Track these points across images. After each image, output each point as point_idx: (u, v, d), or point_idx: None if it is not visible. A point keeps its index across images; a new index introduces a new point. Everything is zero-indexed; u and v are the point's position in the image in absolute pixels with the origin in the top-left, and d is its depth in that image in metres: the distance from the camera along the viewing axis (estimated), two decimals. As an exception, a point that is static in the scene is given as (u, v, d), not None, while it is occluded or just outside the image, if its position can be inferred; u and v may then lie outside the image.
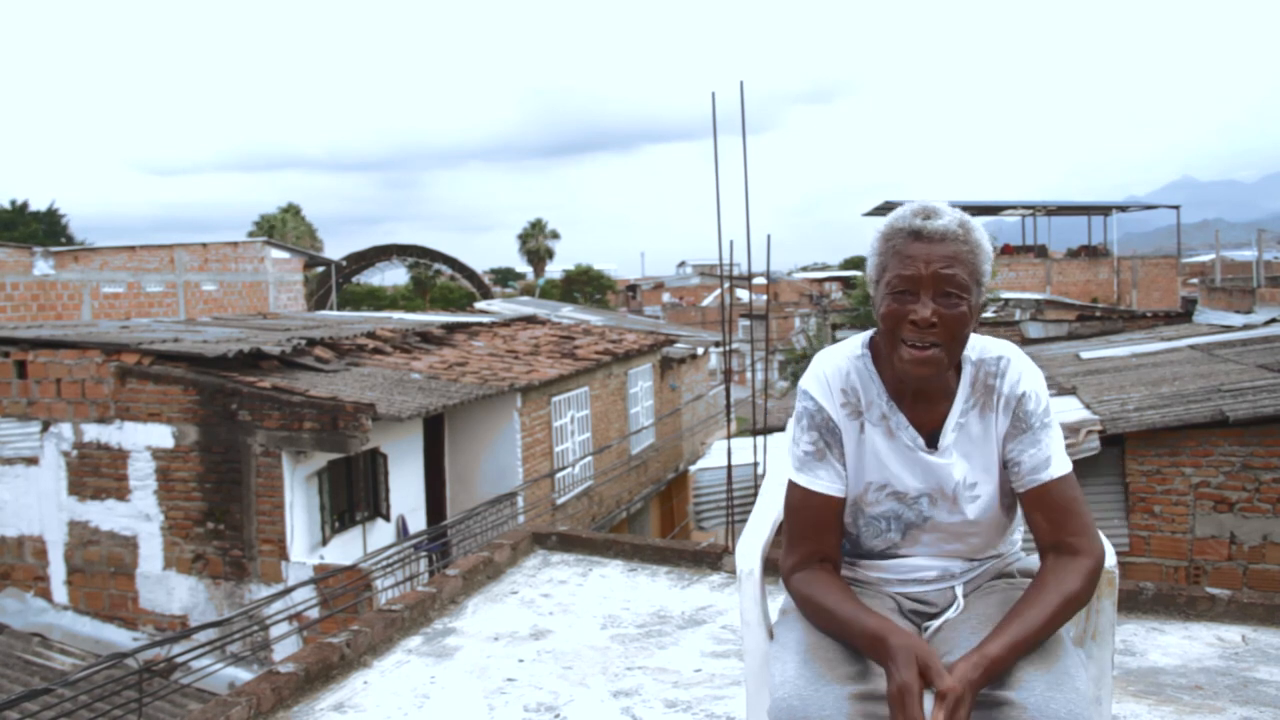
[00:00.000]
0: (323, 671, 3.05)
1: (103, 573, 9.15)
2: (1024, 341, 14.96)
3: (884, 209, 28.52)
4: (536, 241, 55.42)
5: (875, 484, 1.75)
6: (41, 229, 35.26)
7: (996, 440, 1.73)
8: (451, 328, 14.26)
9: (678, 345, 18.38)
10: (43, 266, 16.90)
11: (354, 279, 39.07)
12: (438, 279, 42.90)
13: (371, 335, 11.96)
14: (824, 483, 1.75)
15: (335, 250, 45.23)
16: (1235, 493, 6.61)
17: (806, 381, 1.80)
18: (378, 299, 39.63)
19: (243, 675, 7.54)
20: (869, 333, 1.80)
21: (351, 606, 7.89)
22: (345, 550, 8.98)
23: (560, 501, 12.39)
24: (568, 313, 23.85)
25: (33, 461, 9.30)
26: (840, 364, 1.77)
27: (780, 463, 1.88)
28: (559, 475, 12.35)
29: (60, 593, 9.34)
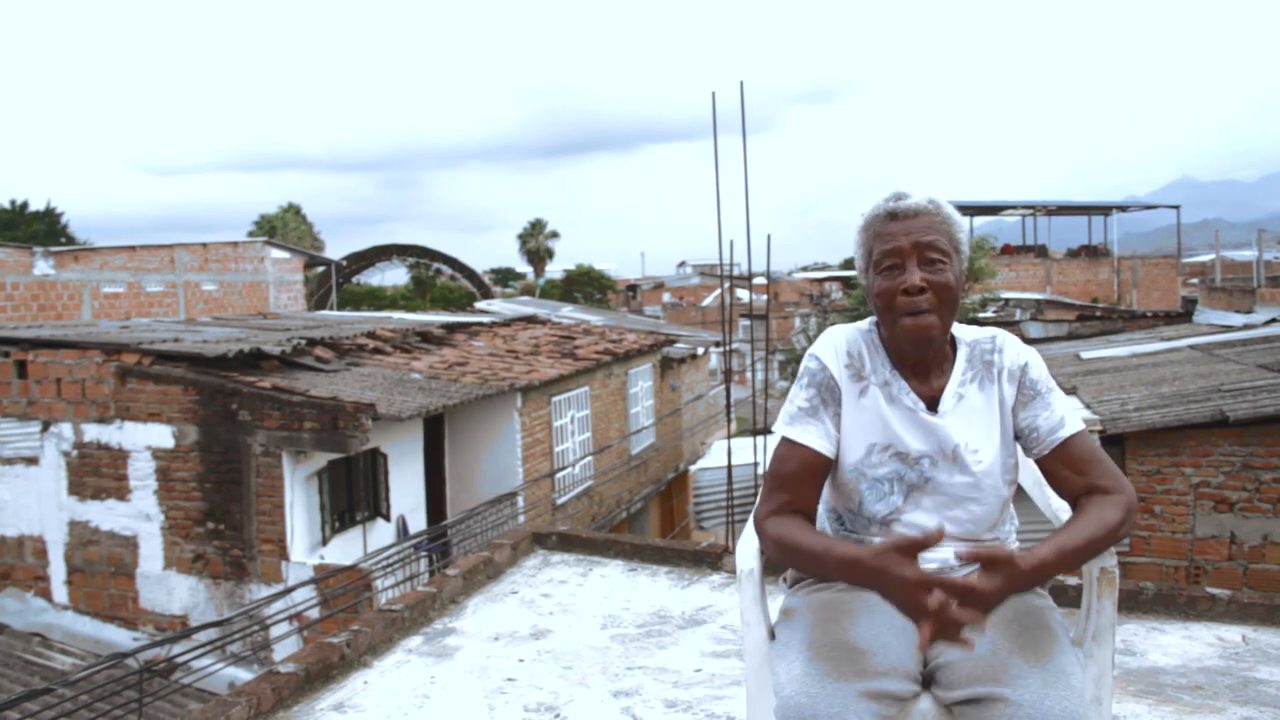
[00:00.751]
0: (323, 671, 3.05)
1: (103, 573, 9.15)
2: (1024, 341, 14.97)
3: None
4: (536, 241, 55.42)
5: (879, 445, 1.80)
6: (41, 229, 35.26)
7: (999, 411, 1.80)
8: (451, 328, 14.26)
9: (678, 345, 18.38)
10: (43, 266, 16.91)
11: (354, 279, 39.07)
12: (438, 279, 42.90)
13: (371, 335, 11.96)
14: (813, 438, 1.81)
15: (335, 250, 45.26)
16: (1235, 493, 6.61)
17: (814, 346, 1.90)
18: (378, 299, 39.64)
19: (243, 675, 7.54)
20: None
21: (351, 606, 7.89)
22: (345, 550, 8.99)
23: (560, 501, 12.40)
24: (568, 313, 23.85)
25: (33, 461, 9.31)
26: (849, 333, 1.89)
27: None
28: (559, 475, 12.35)
29: (60, 593, 9.35)
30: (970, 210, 33.15)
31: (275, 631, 8.23)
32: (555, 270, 54.64)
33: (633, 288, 52.93)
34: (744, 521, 2.15)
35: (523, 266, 60.31)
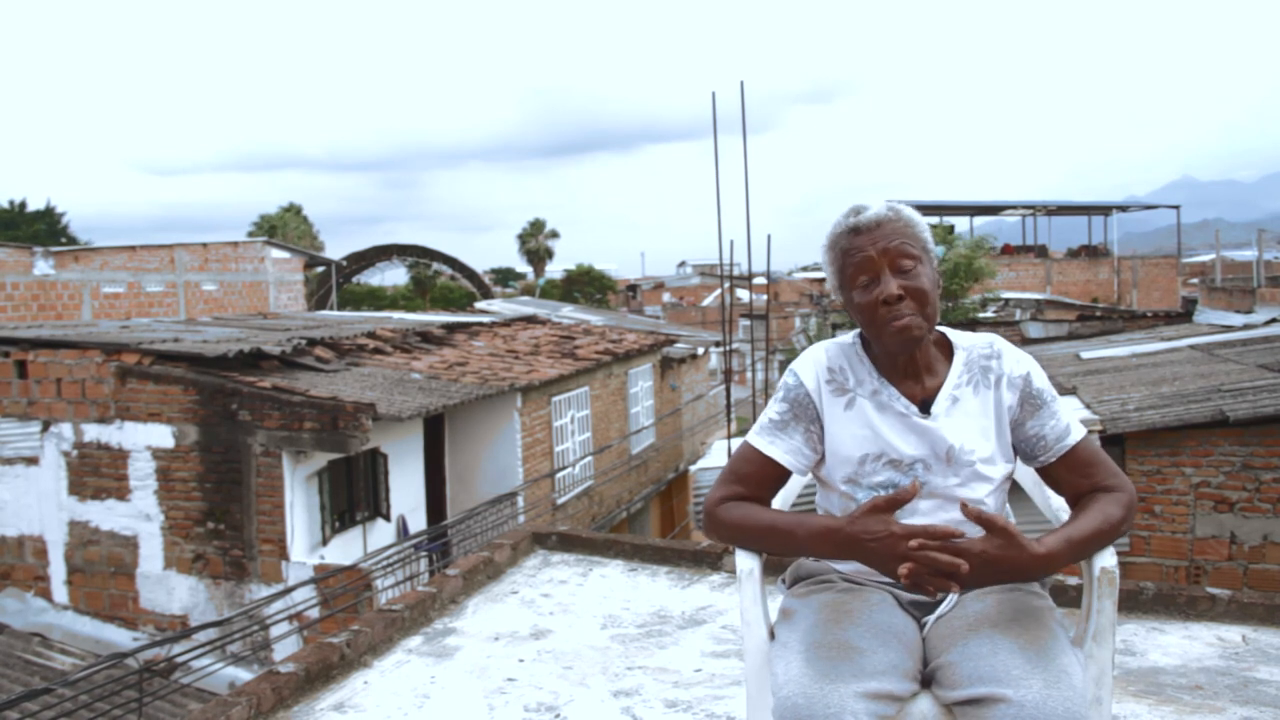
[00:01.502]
0: (323, 671, 3.05)
1: (103, 573, 9.15)
2: (1024, 341, 14.96)
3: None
4: (536, 241, 55.43)
5: (871, 455, 1.80)
6: (42, 229, 35.28)
7: (995, 415, 1.80)
8: (451, 328, 14.27)
9: (678, 345, 18.38)
10: (43, 266, 16.91)
11: (354, 279, 39.08)
12: (438, 279, 42.91)
13: (371, 335, 11.96)
14: (778, 451, 1.83)
15: (335, 250, 45.25)
16: (1235, 492, 6.61)
17: (795, 362, 1.91)
18: (378, 299, 39.65)
19: (243, 675, 7.55)
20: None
21: (351, 606, 7.89)
22: (345, 550, 8.99)
23: (560, 501, 12.40)
24: (568, 313, 23.85)
25: (33, 461, 9.31)
26: (830, 348, 1.89)
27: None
28: (559, 475, 12.35)
29: (60, 593, 9.35)
30: (970, 210, 33.19)
31: (275, 631, 8.23)
32: (555, 270, 54.65)
33: (633, 288, 52.93)
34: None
35: (523, 266, 60.32)
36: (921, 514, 1.78)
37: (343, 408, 8.04)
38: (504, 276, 63.37)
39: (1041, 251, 32.97)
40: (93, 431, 9.03)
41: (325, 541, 8.80)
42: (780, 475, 1.84)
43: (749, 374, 23.35)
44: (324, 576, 8.04)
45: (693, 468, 17.21)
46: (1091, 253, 33.12)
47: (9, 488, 9.44)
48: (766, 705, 1.74)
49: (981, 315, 19.17)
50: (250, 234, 34.12)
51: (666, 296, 50.20)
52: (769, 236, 15.63)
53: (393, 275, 43.89)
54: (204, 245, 20.89)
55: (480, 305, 27.35)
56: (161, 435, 8.78)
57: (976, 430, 1.78)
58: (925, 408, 1.79)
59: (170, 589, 8.89)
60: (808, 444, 1.84)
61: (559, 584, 3.96)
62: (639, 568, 4.13)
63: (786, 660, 1.63)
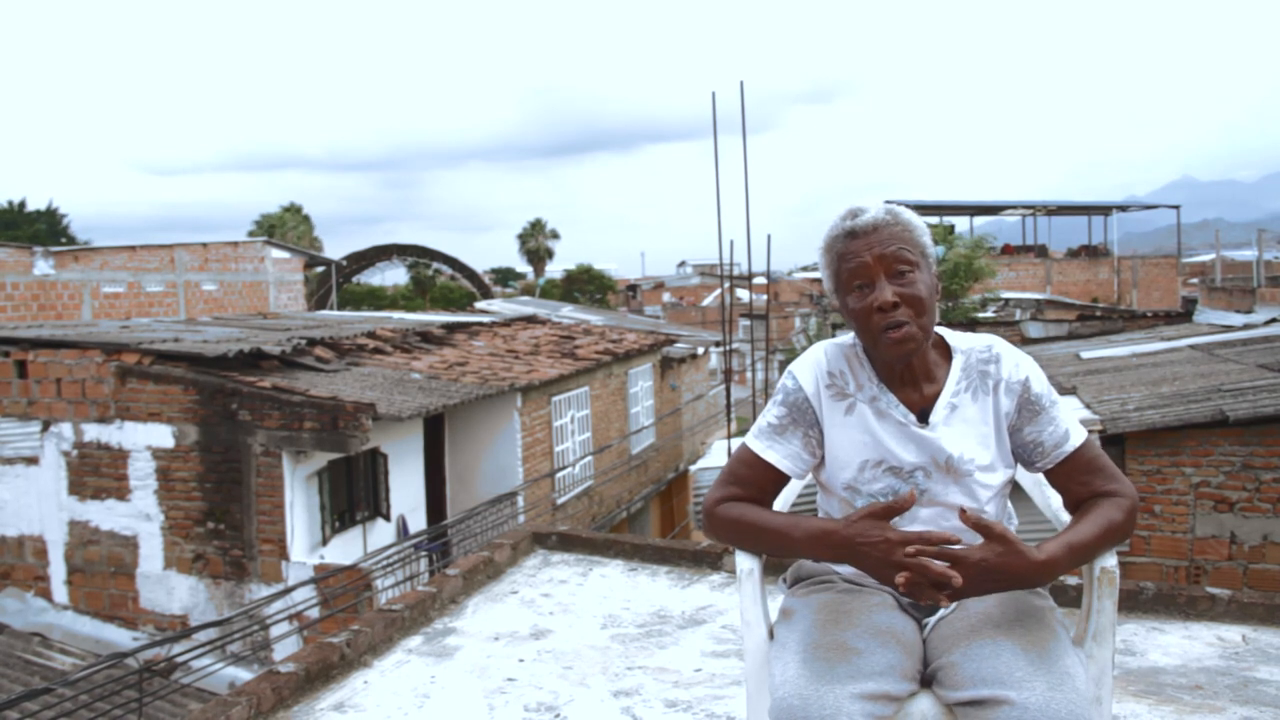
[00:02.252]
0: (323, 671, 3.05)
1: (103, 572, 9.15)
2: (1024, 341, 14.96)
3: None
4: (536, 241, 55.42)
5: (871, 461, 1.78)
6: (42, 229, 35.28)
7: (994, 421, 1.78)
8: (451, 327, 14.26)
9: (678, 345, 18.38)
10: (43, 266, 16.91)
11: (354, 279, 39.08)
12: (438, 279, 42.90)
13: (371, 335, 11.96)
14: (775, 455, 1.82)
15: (335, 250, 45.26)
16: (1235, 492, 6.61)
17: (794, 364, 1.88)
18: (378, 299, 39.64)
19: (243, 675, 7.55)
20: None
21: (351, 606, 7.89)
22: (345, 550, 8.99)
23: (560, 501, 12.40)
24: (568, 312, 23.85)
25: (33, 461, 9.31)
26: (830, 351, 1.86)
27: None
28: (559, 475, 12.35)
29: (60, 592, 9.35)
30: (970, 210, 33.17)
31: (275, 631, 8.23)
32: (555, 270, 54.64)
33: (633, 288, 52.92)
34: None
35: (523, 266, 60.31)
36: (922, 521, 1.78)
37: (343, 408, 8.05)
38: (504, 276, 63.38)
39: (1041, 251, 32.97)
40: (93, 431, 9.03)
41: (325, 541, 8.80)
42: (779, 479, 1.84)
43: (749, 374, 23.35)
44: (324, 576, 8.04)
45: (693, 468, 17.20)
46: (1091, 253, 33.11)
47: (9, 488, 9.44)
48: (766, 705, 1.74)
49: (981, 315, 19.17)
50: (250, 234, 34.13)
51: (666, 296, 50.20)
52: (769, 236, 15.63)
53: (393, 275, 43.94)
54: (204, 245, 20.89)
55: (480, 305, 27.35)
56: (161, 435, 8.78)
57: (975, 438, 1.77)
58: (924, 416, 1.78)
59: (170, 589, 8.89)
60: (806, 449, 1.83)
61: (559, 584, 3.96)
62: (639, 568, 4.13)
63: (784, 661, 1.63)
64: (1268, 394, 6.85)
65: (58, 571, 9.34)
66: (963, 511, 1.59)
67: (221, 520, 8.63)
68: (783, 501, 2.00)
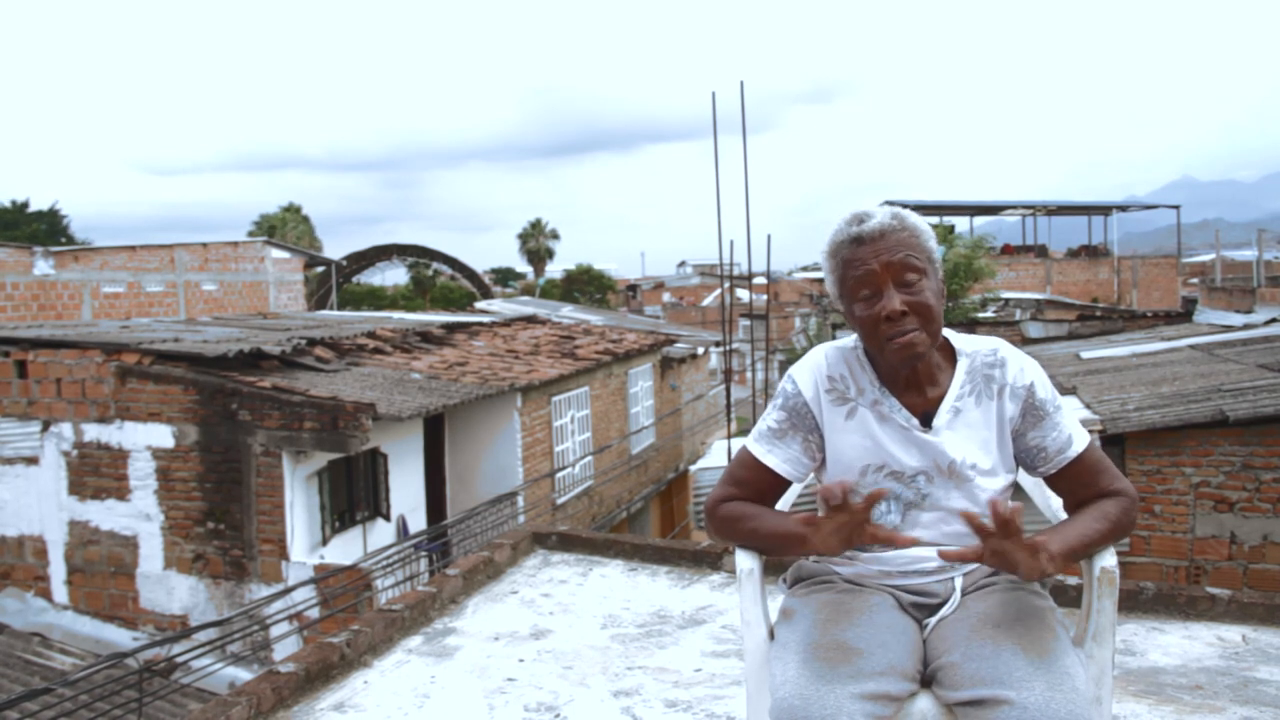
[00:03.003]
0: (323, 671, 3.05)
1: (103, 572, 9.15)
2: (1024, 341, 14.95)
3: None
4: (536, 241, 55.42)
5: (873, 466, 1.78)
6: (42, 229, 35.28)
7: (998, 426, 1.77)
8: (451, 328, 14.26)
9: (678, 345, 18.38)
10: (43, 266, 16.90)
11: (354, 279, 39.07)
12: (438, 279, 42.89)
13: (371, 335, 11.96)
14: (775, 459, 1.83)
15: (335, 250, 45.24)
16: (1235, 492, 6.61)
17: (794, 367, 1.88)
18: (378, 299, 39.63)
19: (243, 675, 7.54)
20: None
21: (351, 606, 7.89)
22: (345, 550, 8.98)
23: (560, 501, 12.39)
24: (568, 312, 23.85)
25: (33, 461, 9.31)
26: (831, 354, 1.85)
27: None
28: (559, 475, 12.35)
29: (60, 592, 9.35)
30: (970, 210, 33.18)
31: (275, 631, 8.23)
32: (555, 270, 54.63)
33: (633, 288, 52.91)
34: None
35: (523, 266, 60.30)
36: (923, 525, 1.78)
37: (343, 408, 8.04)
38: (504, 276, 63.37)
39: (1041, 251, 32.97)
40: (93, 431, 9.03)
41: (325, 541, 8.80)
42: (779, 482, 1.84)
43: (749, 374, 23.35)
44: (324, 576, 8.04)
45: (693, 468, 17.17)
46: (1091, 253, 33.12)
47: (9, 488, 9.44)
48: (766, 705, 1.74)
49: (981, 315, 19.17)
50: (250, 234, 34.12)
51: (666, 296, 50.18)
52: (769, 236, 15.63)
53: (393, 275, 43.92)
54: (204, 245, 20.89)
55: (480, 305, 27.35)
56: (161, 435, 8.78)
57: (978, 443, 1.76)
58: (927, 419, 1.77)
59: (170, 589, 8.89)
60: (806, 453, 1.83)
61: (559, 584, 3.96)
62: (639, 568, 4.13)
63: (784, 661, 1.63)
64: (1268, 394, 6.85)
65: (58, 571, 9.34)
66: (965, 514, 1.60)
67: (221, 520, 8.63)
68: (785, 503, 2.00)
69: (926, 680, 1.63)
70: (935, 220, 28.02)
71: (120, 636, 8.92)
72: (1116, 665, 2.80)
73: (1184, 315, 17.51)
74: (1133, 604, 3.35)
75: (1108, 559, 1.72)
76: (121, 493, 8.97)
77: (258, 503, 8.47)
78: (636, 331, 18.32)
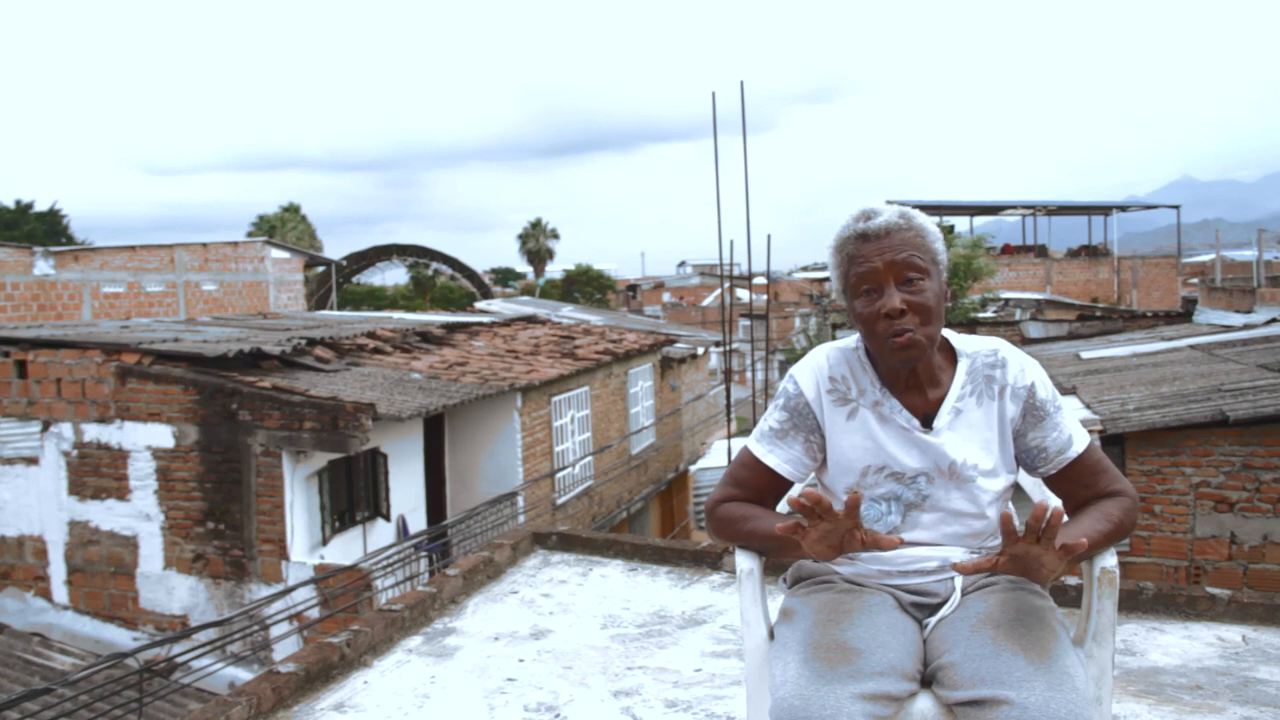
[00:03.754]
0: (323, 671, 3.05)
1: (103, 573, 9.15)
2: (1024, 341, 14.95)
3: (884, 209, 28.51)
4: (536, 241, 55.42)
5: (873, 467, 1.78)
6: (43, 229, 35.29)
7: (999, 426, 1.77)
8: (451, 328, 14.26)
9: (678, 345, 18.38)
10: (43, 266, 16.90)
11: (354, 279, 39.06)
12: (438, 279, 42.88)
13: (371, 335, 11.96)
14: (775, 460, 1.83)
15: (335, 250, 45.26)
16: (1235, 492, 6.61)
17: (795, 367, 1.88)
18: (378, 299, 39.63)
19: (243, 675, 7.54)
20: None
21: (351, 606, 7.89)
22: (345, 550, 8.99)
23: (560, 501, 12.39)
24: (568, 312, 23.85)
25: (33, 461, 9.31)
26: (832, 354, 1.85)
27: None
28: (559, 475, 12.35)
29: (60, 592, 9.35)
30: (970, 210, 33.18)
31: (275, 631, 8.23)
32: (555, 270, 54.64)
33: (633, 288, 52.91)
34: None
35: (523, 266, 60.30)
36: (924, 527, 1.78)
37: (343, 408, 8.05)
38: (504, 276, 63.37)
39: (1041, 251, 32.97)
40: (93, 431, 9.03)
41: (325, 541, 8.80)
42: (779, 482, 1.84)
43: (749, 374, 23.35)
44: (324, 576, 8.04)
45: (693, 468, 17.16)
46: (1091, 253, 33.11)
47: (9, 488, 9.44)
48: (766, 705, 1.74)
49: (981, 315, 19.17)
50: (250, 234, 34.13)
51: (666, 296, 50.18)
52: (769, 236, 15.65)
53: (393, 275, 43.89)
54: (204, 245, 20.88)
55: (480, 305, 27.35)
56: (161, 435, 8.78)
57: (979, 443, 1.76)
58: (928, 420, 1.77)
59: (170, 589, 8.89)
60: (807, 453, 1.83)
61: (559, 584, 3.96)
62: (639, 568, 4.13)
63: (784, 661, 1.63)
64: (1268, 394, 6.85)
65: (58, 571, 9.34)
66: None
67: (221, 520, 8.63)
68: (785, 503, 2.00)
69: (926, 680, 1.63)
70: (935, 220, 28.03)
71: (120, 636, 8.92)
72: (1116, 665, 2.80)
73: (1184, 315, 17.52)
74: (1133, 604, 3.35)
75: (1108, 559, 1.72)
76: (121, 493, 8.97)
77: (258, 503, 8.47)
78: (636, 331, 18.32)
